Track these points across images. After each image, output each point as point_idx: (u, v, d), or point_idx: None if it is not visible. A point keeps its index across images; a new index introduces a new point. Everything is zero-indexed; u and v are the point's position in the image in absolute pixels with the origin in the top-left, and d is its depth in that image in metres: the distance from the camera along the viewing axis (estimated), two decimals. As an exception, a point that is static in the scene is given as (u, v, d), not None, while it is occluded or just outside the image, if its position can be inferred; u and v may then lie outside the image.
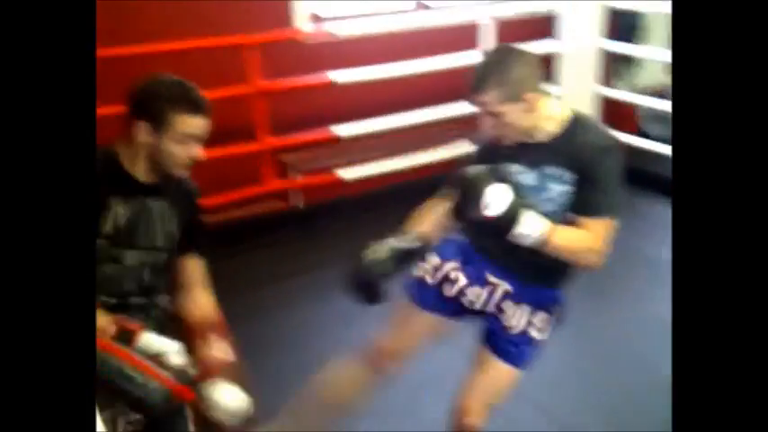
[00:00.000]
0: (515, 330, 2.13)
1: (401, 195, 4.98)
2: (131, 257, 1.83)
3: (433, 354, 3.27)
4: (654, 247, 4.05)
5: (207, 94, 1.80)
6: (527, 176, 1.97)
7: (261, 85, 4.09)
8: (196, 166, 1.85)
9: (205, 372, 1.89)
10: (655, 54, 5.01)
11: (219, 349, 1.94)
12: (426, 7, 4.84)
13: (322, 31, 4.35)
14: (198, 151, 1.84)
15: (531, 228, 1.82)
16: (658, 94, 5.04)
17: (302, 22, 4.41)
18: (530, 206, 1.85)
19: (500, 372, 2.15)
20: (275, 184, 4.37)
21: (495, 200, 1.78)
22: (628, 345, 3.17)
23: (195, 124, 1.79)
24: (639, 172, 3.67)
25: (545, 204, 1.93)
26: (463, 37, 4.68)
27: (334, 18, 4.53)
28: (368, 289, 1.95)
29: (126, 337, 1.70)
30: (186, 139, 1.79)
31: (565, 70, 4.83)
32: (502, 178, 1.84)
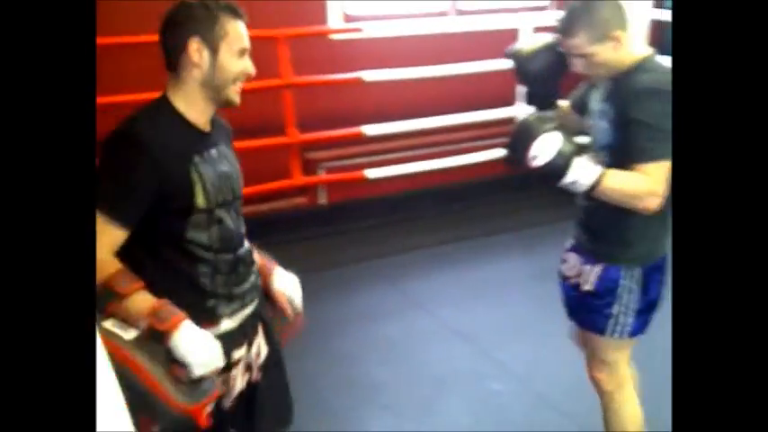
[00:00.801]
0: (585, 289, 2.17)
1: (426, 198, 5.01)
2: (227, 214, 1.74)
3: (452, 353, 3.28)
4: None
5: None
6: (597, 105, 2.05)
7: (291, 79, 4.10)
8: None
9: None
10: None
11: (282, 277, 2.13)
12: (461, 12, 4.82)
13: (353, 29, 4.36)
14: (251, 66, 1.70)
15: (582, 174, 1.86)
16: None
17: (335, 20, 4.44)
18: (582, 152, 1.88)
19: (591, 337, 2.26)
20: (301, 179, 4.39)
21: (543, 150, 1.85)
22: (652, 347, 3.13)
23: (244, 32, 1.68)
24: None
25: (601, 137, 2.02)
26: (500, 44, 4.64)
27: (368, 18, 4.54)
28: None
29: (158, 336, 1.53)
30: (241, 51, 1.67)
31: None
32: (553, 126, 1.88)
